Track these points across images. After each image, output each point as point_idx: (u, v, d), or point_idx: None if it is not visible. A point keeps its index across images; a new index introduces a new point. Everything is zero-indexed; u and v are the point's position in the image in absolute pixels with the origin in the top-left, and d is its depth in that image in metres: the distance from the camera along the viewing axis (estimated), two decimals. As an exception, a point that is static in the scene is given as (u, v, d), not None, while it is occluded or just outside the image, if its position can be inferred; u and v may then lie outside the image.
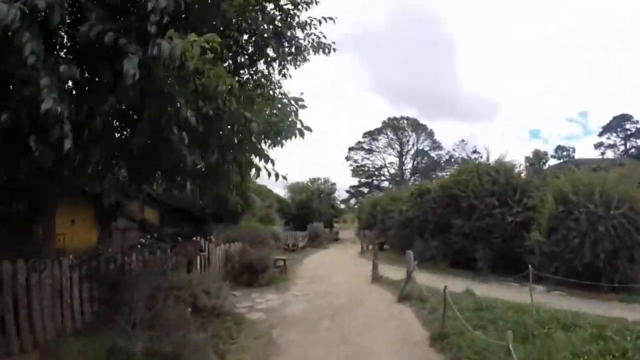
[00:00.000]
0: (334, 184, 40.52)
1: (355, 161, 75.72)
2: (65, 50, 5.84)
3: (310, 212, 34.46)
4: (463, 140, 71.99)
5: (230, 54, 7.13)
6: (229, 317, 9.11)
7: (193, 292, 8.60)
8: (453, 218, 19.04)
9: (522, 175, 19.64)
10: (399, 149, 74.54)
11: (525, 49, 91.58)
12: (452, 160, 69.56)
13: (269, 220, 28.36)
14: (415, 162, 73.71)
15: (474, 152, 67.09)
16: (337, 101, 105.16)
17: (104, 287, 7.68)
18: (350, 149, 75.69)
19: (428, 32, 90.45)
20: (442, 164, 71.27)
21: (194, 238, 12.82)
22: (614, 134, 69.25)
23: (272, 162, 6.46)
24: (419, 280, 11.56)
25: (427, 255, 19.46)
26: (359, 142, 75.66)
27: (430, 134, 73.54)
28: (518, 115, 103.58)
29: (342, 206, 65.26)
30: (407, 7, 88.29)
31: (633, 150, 64.86)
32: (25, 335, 6.51)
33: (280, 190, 38.48)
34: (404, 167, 73.65)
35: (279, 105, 6.70)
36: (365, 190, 73.21)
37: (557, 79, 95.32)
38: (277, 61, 7.90)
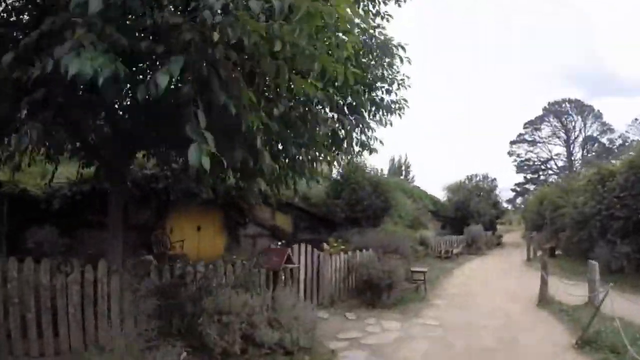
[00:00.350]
0: (494, 179, 35.82)
1: (519, 155, 68.19)
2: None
3: (467, 213, 30.20)
4: (637, 119, 59.33)
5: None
6: (307, 356, 6.33)
7: (251, 318, 6.05)
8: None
9: None
10: (565, 137, 65.38)
11: None
12: (627, 143, 56.75)
13: (419, 224, 25.01)
14: (584, 151, 63.66)
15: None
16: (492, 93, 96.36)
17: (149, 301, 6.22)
18: (512, 142, 68.40)
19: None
20: (615, 150, 59.64)
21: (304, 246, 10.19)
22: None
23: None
24: (608, 307, 7.34)
25: (614, 266, 14.66)
26: (520, 135, 68.11)
27: (597, 116, 62.95)
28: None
29: (507, 206, 58.65)
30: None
31: None
32: (47, 339, 5.95)
33: (437, 191, 34.91)
34: (572, 158, 64.17)
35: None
36: (532, 187, 64.98)
37: None
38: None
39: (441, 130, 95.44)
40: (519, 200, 67.15)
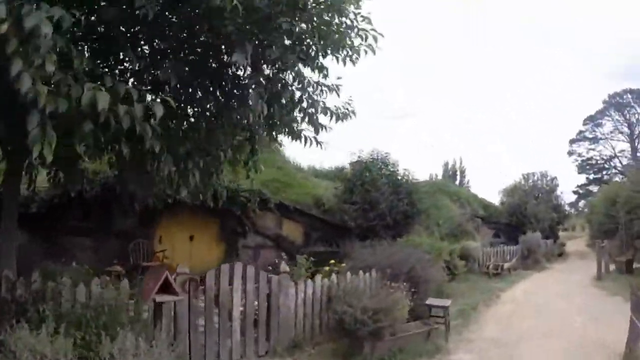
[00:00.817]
0: (555, 178, 30.07)
1: (580, 155, 60.23)
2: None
3: (523, 218, 25.02)
4: None
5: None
6: None
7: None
8: None
9: None
10: (628, 132, 57.43)
11: None
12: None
13: (463, 232, 20.35)
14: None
15: None
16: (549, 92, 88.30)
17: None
18: (572, 141, 60.61)
19: None
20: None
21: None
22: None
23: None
24: None
25: None
26: (580, 132, 60.08)
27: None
28: None
29: (570, 210, 51.55)
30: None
31: None
32: None
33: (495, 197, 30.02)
34: (637, 154, 56.01)
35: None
36: (595, 189, 57.28)
37: None
38: None
39: (499, 131, 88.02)
40: (581, 203, 59.59)
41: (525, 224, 25.01)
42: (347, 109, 6.22)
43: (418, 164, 65.94)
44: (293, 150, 27.69)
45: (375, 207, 14.19)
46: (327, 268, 9.88)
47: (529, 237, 21.93)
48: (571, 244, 31.33)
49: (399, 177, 15.40)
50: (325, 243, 14.56)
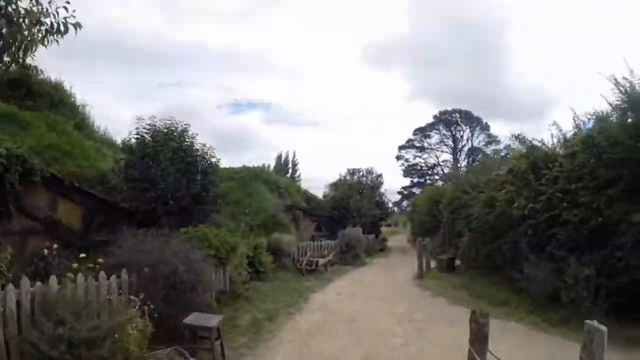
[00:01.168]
0: (380, 175, 28.02)
1: (407, 160, 64.42)
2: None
3: (346, 212, 22.81)
4: (519, 135, 55.96)
5: None
6: None
7: None
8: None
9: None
10: (453, 145, 62.40)
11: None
12: (509, 155, 54.28)
13: (278, 224, 17.18)
14: (470, 159, 60.62)
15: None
16: (386, 107, 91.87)
17: None
18: (401, 147, 64.60)
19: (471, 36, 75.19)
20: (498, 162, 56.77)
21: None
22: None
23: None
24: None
25: (565, 297, 8.75)
26: (410, 140, 64.53)
27: (485, 128, 60.59)
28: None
29: (394, 208, 53.25)
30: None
31: None
32: None
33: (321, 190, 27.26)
34: (458, 165, 61.06)
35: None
36: (417, 191, 61.09)
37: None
38: None
39: (334, 131, 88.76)
40: (404, 203, 63.17)
41: (347, 217, 22.92)
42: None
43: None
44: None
45: (155, 186, 10.14)
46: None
47: (349, 232, 19.55)
48: (393, 240, 30.58)
49: (196, 154, 11.46)
50: (109, 230, 10.20)
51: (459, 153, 62.06)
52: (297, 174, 54.81)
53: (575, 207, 9.16)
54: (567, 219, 9.19)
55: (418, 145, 64.19)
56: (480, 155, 58.55)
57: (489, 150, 59.10)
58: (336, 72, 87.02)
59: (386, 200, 28.61)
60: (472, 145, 61.05)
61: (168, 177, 10.65)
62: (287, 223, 18.26)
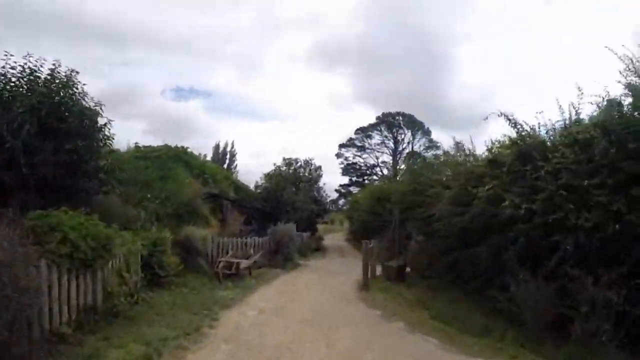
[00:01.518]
0: (319, 168, 24.78)
1: (346, 159, 61.93)
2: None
3: (280, 205, 19.57)
4: (459, 143, 55.49)
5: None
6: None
7: None
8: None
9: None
10: (393, 147, 60.88)
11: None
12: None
13: (192, 214, 13.60)
14: (409, 161, 59.29)
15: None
16: (329, 110, 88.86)
17: None
18: (341, 145, 62.09)
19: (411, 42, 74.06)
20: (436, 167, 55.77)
21: None
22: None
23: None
24: None
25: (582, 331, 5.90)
26: (351, 139, 62.12)
27: (427, 132, 59.44)
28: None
29: (332, 205, 50.65)
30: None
31: None
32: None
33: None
34: (397, 167, 59.66)
35: None
36: (356, 190, 59.03)
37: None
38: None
39: (275, 125, 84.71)
40: (341, 201, 60.98)
41: (281, 212, 19.71)
42: None
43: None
44: None
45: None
46: None
47: (281, 228, 16.15)
48: (330, 238, 27.71)
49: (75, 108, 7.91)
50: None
51: (399, 155, 60.62)
52: (235, 165, 50.76)
53: (587, 210, 6.54)
54: (577, 224, 6.53)
55: (359, 144, 62.00)
56: (418, 159, 57.91)
57: (428, 155, 58.51)
58: (282, 68, 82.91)
59: (324, 195, 25.46)
60: (412, 148, 59.70)
61: (20, 132, 7.05)
62: (207, 214, 14.72)
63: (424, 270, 11.96)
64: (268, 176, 22.25)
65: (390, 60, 73.72)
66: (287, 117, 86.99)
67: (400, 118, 59.79)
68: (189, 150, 17.85)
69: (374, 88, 77.25)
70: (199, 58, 74.65)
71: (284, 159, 23.29)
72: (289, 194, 20.02)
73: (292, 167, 22.98)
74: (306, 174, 22.82)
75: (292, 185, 21.19)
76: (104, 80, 65.16)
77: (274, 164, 22.75)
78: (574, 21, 63.08)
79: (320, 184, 23.89)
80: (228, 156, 52.24)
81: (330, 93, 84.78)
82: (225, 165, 44.76)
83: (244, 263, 11.93)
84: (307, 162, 23.45)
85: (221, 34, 75.88)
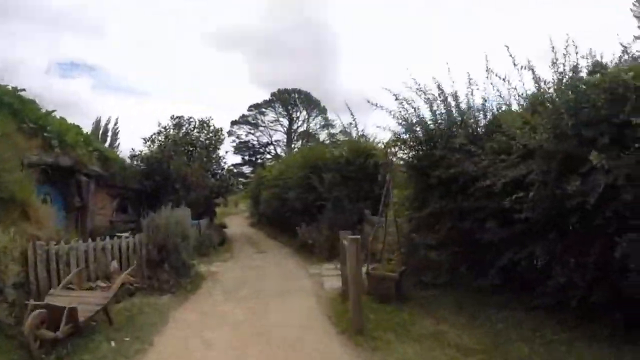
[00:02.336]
0: (220, 130, 16.73)
1: (239, 137, 54.52)
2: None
3: (165, 182, 12.39)
4: (352, 123, 51.84)
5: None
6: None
7: None
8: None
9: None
10: (288, 126, 55.01)
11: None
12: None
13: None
14: (304, 141, 54.16)
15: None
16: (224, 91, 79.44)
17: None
18: (234, 122, 54.36)
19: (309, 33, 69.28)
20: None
21: None
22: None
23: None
24: None
25: None
26: (244, 116, 54.79)
27: (323, 111, 54.45)
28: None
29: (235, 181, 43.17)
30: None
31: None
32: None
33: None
34: (292, 145, 54.06)
35: None
36: (248, 170, 52.25)
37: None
38: None
39: (166, 104, 73.25)
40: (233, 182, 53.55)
41: (167, 191, 12.67)
42: None
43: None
44: None
45: None
46: None
47: (165, 217, 8.81)
48: (231, 224, 20.95)
49: None
50: None
51: (293, 134, 55.00)
52: (117, 143, 40.25)
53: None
54: None
55: (252, 122, 55.08)
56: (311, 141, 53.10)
57: (323, 134, 53.67)
58: (177, 47, 71.68)
59: (226, 166, 18.18)
60: (308, 127, 54.41)
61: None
62: (30, 199, 7.26)
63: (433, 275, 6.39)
64: (150, 141, 14.70)
65: (287, 48, 68.12)
66: (181, 95, 75.80)
67: (296, 95, 54.07)
68: (20, 92, 9.81)
69: (270, 72, 70.99)
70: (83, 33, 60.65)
71: (172, 118, 15.60)
72: (179, 165, 12.85)
73: (184, 129, 15.43)
74: (201, 139, 15.40)
75: (184, 153, 13.94)
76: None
77: (159, 124, 15.01)
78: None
79: (221, 152, 16.56)
80: (110, 134, 41.80)
81: (225, 74, 75.95)
82: (107, 144, 35.01)
83: (87, 308, 4.91)
84: (204, 123, 15.97)
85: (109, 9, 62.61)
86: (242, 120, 54.89)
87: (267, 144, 55.15)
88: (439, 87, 6.75)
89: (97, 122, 39.46)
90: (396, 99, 7.07)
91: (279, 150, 53.96)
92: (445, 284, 6.42)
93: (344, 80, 70.08)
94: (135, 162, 13.55)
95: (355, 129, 12.01)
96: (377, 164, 11.45)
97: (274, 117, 54.79)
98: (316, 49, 67.97)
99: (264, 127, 55.04)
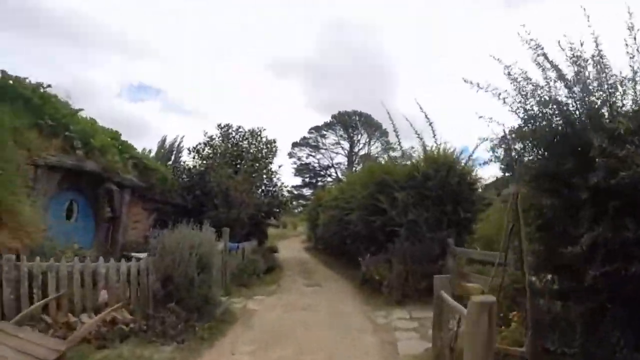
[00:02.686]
0: (274, 142, 14.06)
1: (299, 158, 53.17)
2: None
3: (204, 197, 10.38)
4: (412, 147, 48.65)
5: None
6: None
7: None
8: None
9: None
10: (349, 149, 52.75)
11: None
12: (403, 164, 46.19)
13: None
14: (363, 165, 51.51)
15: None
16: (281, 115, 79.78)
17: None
18: (295, 144, 53.28)
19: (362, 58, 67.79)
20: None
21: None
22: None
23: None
24: None
25: None
26: (305, 138, 53.53)
27: (384, 133, 51.73)
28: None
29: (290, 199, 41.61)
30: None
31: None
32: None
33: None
34: (353, 168, 51.64)
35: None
36: (308, 192, 50.45)
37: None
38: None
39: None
40: (294, 204, 52.13)
41: (207, 208, 10.62)
42: None
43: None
44: None
45: None
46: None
47: (175, 239, 5.75)
48: (284, 247, 18.71)
49: None
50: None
51: (354, 157, 52.69)
52: (181, 161, 40.08)
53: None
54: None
55: (313, 144, 53.62)
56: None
57: (385, 157, 50.90)
58: (240, 76, 73.60)
59: (280, 185, 14.87)
60: (369, 150, 51.91)
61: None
62: (8, 202, 5.40)
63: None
64: (195, 151, 12.85)
65: (341, 72, 67.18)
66: (238, 118, 76.99)
67: (357, 118, 51.98)
68: (28, 82, 8.38)
69: (326, 97, 70.23)
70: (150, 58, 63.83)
71: (219, 126, 13.62)
72: (220, 177, 10.76)
73: (231, 139, 13.32)
74: (251, 150, 13.31)
75: (230, 165, 11.89)
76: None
77: (205, 133, 13.04)
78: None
79: (275, 166, 14.20)
80: (175, 152, 42.02)
81: (282, 99, 76.26)
82: (170, 162, 34.76)
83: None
84: (254, 133, 13.71)
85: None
86: (303, 142, 53.73)
87: (328, 167, 53.39)
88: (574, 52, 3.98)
89: (163, 140, 39.83)
90: (509, 76, 4.37)
91: (339, 173, 51.82)
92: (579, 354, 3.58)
93: (402, 104, 67.38)
94: (177, 174, 11.75)
95: (433, 138, 9.30)
96: (462, 180, 8.76)
97: (334, 140, 53.10)
98: (371, 72, 66.38)
99: (324, 149, 53.53)
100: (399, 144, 9.97)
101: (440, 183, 8.45)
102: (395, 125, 9.92)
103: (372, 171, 9.92)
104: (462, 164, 8.99)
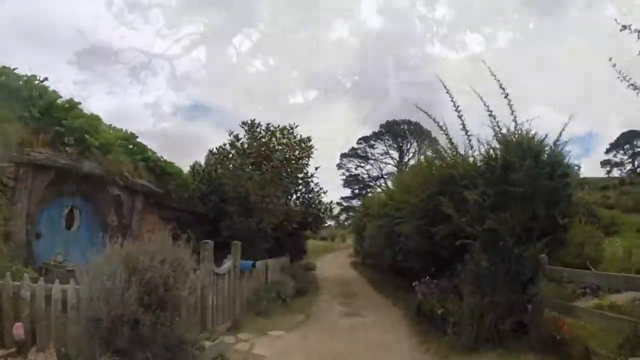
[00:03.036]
0: (309, 139, 11.00)
1: (348, 169, 51.08)
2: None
3: (224, 205, 8.31)
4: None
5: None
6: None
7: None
8: None
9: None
10: (398, 158, 49.71)
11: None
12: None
13: None
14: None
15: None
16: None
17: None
18: (343, 155, 51.31)
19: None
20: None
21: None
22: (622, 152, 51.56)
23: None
24: None
25: None
26: (353, 149, 51.49)
27: (434, 141, 48.20)
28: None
29: (331, 223, 39.38)
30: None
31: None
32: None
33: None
34: (403, 179, 48.63)
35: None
36: (358, 203, 47.91)
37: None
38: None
39: None
40: (343, 217, 49.80)
41: (223, 216, 8.59)
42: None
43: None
44: None
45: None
46: None
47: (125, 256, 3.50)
48: (326, 261, 16.31)
49: None
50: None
51: (404, 166, 49.76)
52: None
53: None
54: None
55: (362, 155, 51.43)
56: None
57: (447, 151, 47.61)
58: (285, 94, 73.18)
59: (317, 190, 11.96)
60: (419, 159, 48.62)
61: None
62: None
63: None
64: (219, 153, 10.80)
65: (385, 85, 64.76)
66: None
67: (406, 126, 49.10)
68: (42, 82, 6.90)
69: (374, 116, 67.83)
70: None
71: (244, 124, 11.06)
72: (236, 179, 8.60)
73: (258, 136, 11.21)
74: (279, 148, 10.80)
75: (257, 166, 9.73)
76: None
77: (230, 133, 10.92)
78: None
79: (311, 169, 11.91)
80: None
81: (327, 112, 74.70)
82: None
83: None
84: (285, 130, 11.16)
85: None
86: (352, 153, 51.72)
87: (377, 177, 50.88)
88: None
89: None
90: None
91: (389, 184, 49.03)
92: None
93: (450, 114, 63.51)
94: (196, 179, 9.85)
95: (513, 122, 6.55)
96: (553, 173, 5.99)
97: (383, 150, 51.11)
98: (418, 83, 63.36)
99: (373, 159, 51.30)
100: (450, 142, 7.23)
101: (527, 175, 5.76)
102: (445, 124, 7.27)
103: (432, 166, 7.36)
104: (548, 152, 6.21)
